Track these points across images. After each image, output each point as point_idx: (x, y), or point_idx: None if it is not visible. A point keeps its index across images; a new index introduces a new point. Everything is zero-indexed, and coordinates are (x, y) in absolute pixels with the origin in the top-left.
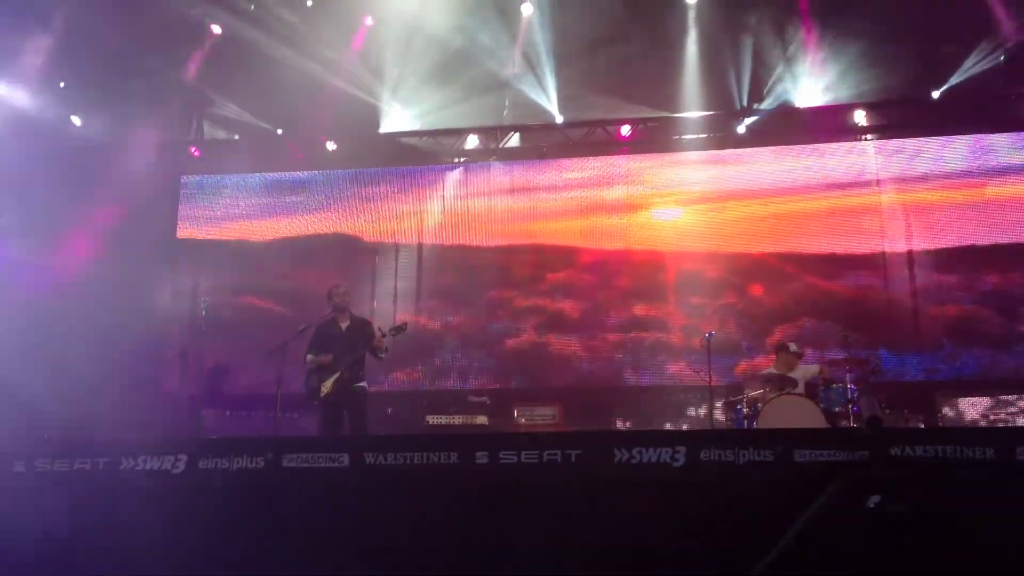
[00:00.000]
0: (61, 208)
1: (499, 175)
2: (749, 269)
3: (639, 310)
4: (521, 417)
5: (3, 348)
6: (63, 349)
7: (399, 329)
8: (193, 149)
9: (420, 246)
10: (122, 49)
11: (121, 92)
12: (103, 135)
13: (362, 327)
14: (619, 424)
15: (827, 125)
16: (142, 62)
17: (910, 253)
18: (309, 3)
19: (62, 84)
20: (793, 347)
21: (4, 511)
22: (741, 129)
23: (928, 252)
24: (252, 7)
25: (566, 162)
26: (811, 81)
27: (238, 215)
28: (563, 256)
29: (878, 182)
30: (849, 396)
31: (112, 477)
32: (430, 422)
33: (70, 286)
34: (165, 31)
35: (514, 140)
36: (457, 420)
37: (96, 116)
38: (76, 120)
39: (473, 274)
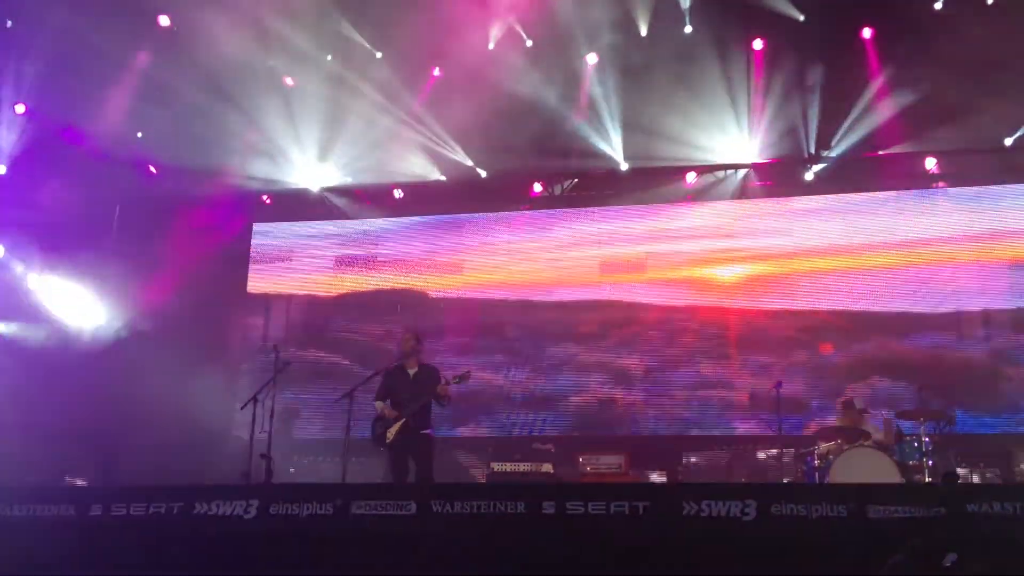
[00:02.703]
0: (137, 256)
1: (563, 223)
2: (817, 327)
3: (705, 368)
4: (586, 465)
5: (80, 395)
6: (138, 396)
7: (463, 377)
8: (265, 197)
9: (483, 301)
10: (197, 100)
11: (196, 142)
12: (179, 184)
13: (429, 374)
14: (686, 475)
15: (897, 172)
16: (217, 113)
17: (985, 312)
18: (378, 55)
19: (139, 135)
20: (859, 404)
21: (80, 554)
22: (809, 177)
23: (1005, 311)
24: (328, 58)
25: (630, 210)
26: (880, 128)
27: (307, 267)
28: (627, 312)
29: (951, 236)
30: (923, 449)
31: (186, 522)
32: (495, 469)
33: (144, 334)
34: (239, 83)
35: (577, 187)
36: (522, 467)
37: (172, 165)
38: (152, 169)
39: (537, 329)
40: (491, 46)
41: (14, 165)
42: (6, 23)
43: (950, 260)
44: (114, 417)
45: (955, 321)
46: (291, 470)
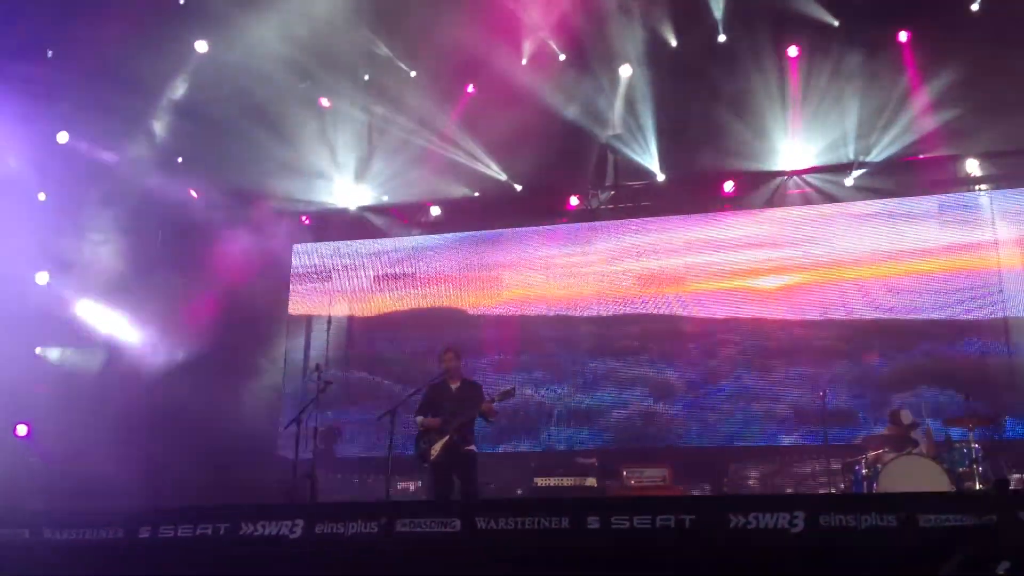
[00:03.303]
0: (179, 280)
1: (601, 236)
2: (860, 336)
3: (747, 379)
4: (630, 478)
5: (126, 418)
6: (182, 418)
7: (507, 394)
8: (304, 218)
9: (521, 317)
10: (236, 123)
11: (235, 165)
12: (219, 208)
13: (472, 390)
14: (731, 487)
15: (938, 176)
16: (255, 135)
17: None
18: (412, 74)
19: (180, 159)
20: (907, 419)
21: (128, 575)
22: (849, 183)
23: None
24: (366, 78)
25: (668, 222)
26: (919, 131)
27: (347, 287)
28: (667, 325)
29: (996, 241)
30: (974, 456)
31: (233, 542)
32: (539, 483)
33: (187, 357)
34: (276, 105)
35: (614, 200)
36: (566, 482)
37: (212, 189)
38: (193, 193)
39: (576, 344)
40: (524, 61)
41: (56, 192)
42: (47, 53)
43: (995, 265)
44: (159, 440)
45: (1003, 327)
46: (338, 476)
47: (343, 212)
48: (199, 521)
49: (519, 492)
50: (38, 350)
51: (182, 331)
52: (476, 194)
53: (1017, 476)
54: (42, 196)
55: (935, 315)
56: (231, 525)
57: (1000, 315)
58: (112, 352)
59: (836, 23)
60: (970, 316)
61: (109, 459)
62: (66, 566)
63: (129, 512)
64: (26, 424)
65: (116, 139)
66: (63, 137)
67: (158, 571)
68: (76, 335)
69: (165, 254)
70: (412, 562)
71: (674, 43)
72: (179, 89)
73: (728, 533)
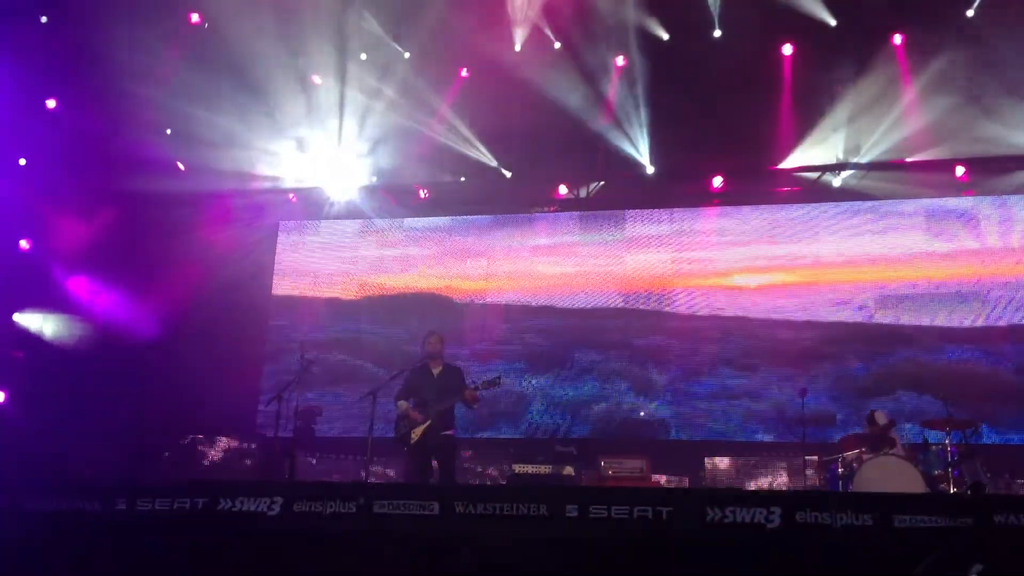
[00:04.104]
0: (162, 255)
1: (588, 227)
2: (843, 339)
3: (728, 378)
4: (608, 468)
5: (105, 393)
6: (162, 394)
7: (492, 383)
8: (291, 195)
9: (506, 306)
10: (225, 97)
11: (223, 140)
12: (206, 182)
13: (454, 375)
14: (708, 481)
15: (926, 180)
16: (244, 110)
17: (1012, 327)
18: (407, 55)
19: (168, 131)
20: (882, 419)
21: (105, 548)
22: (837, 183)
23: None
24: (363, 57)
25: (655, 215)
26: (909, 135)
27: (331, 268)
28: (651, 320)
29: (980, 248)
30: (949, 459)
31: (210, 517)
32: (517, 471)
33: (169, 333)
34: (266, 80)
35: (603, 190)
36: (544, 469)
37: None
38: (180, 166)
39: (559, 336)
40: (518, 48)
41: (41, 158)
42: (41, 19)
43: (979, 272)
44: (138, 413)
45: (984, 336)
46: (312, 460)
47: (330, 192)
48: (177, 496)
49: (497, 479)
50: (16, 316)
51: (165, 305)
52: (462, 179)
53: (990, 479)
54: (22, 161)
55: (917, 320)
56: (209, 500)
57: (981, 324)
58: (91, 327)
59: (834, 22)
60: (952, 323)
61: (87, 430)
62: (43, 536)
63: (107, 484)
64: (3, 391)
65: (105, 108)
66: (51, 103)
67: (134, 544)
68: (55, 304)
69: (150, 226)
70: (389, 543)
71: (669, 36)
72: (170, 60)
73: (705, 526)
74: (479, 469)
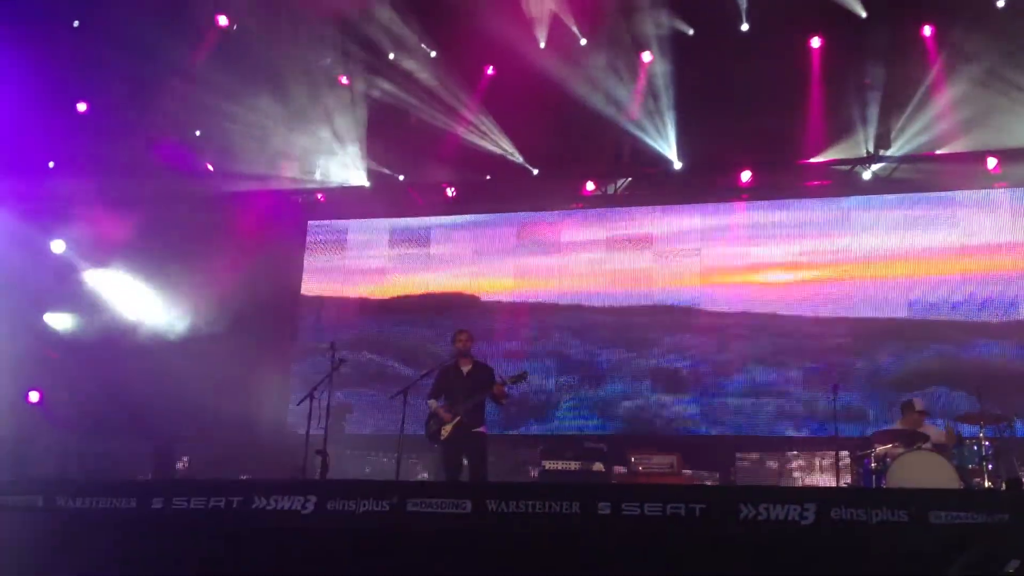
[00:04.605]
0: (193, 254)
1: (616, 223)
2: (875, 334)
3: (758, 374)
4: (638, 465)
5: (137, 390)
6: (193, 391)
7: (519, 378)
8: (319, 195)
9: (535, 304)
10: (254, 98)
11: (253, 140)
12: (235, 182)
13: (483, 372)
14: (739, 476)
15: (958, 173)
16: (272, 111)
17: None
18: (433, 54)
19: (198, 132)
20: (919, 405)
21: (141, 546)
22: (867, 176)
23: None
24: (391, 56)
25: (684, 211)
26: (940, 127)
27: (360, 267)
28: (680, 316)
29: (1013, 241)
30: (984, 453)
31: (245, 515)
32: (547, 467)
33: (199, 331)
34: (295, 81)
35: (631, 186)
36: (574, 466)
37: (229, 163)
38: (210, 167)
39: (588, 334)
40: (543, 45)
41: (71, 164)
42: (73, 23)
43: (1011, 266)
44: (170, 412)
45: (1018, 330)
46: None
47: (359, 190)
48: (212, 494)
49: (532, 474)
50: (46, 316)
51: (193, 306)
52: (487, 177)
53: None
54: (51, 164)
55: (950, 316)
56: (244, 499)
57: (1015, 318)
58: (123, 324)
59: (864, 14)
60: (984, 318)
61: (121, 430)
62: (78, 534)
63: (142, 483)
64: (38, 391)
65: (135, 110)
66: (82, 107)
67: (170, 542)
68: (87, 304)
69: (180, 227)
70: (422, 542)
71: (696, 31)
72: (199, 62)
73: (738, 523)
74: (509, 465)
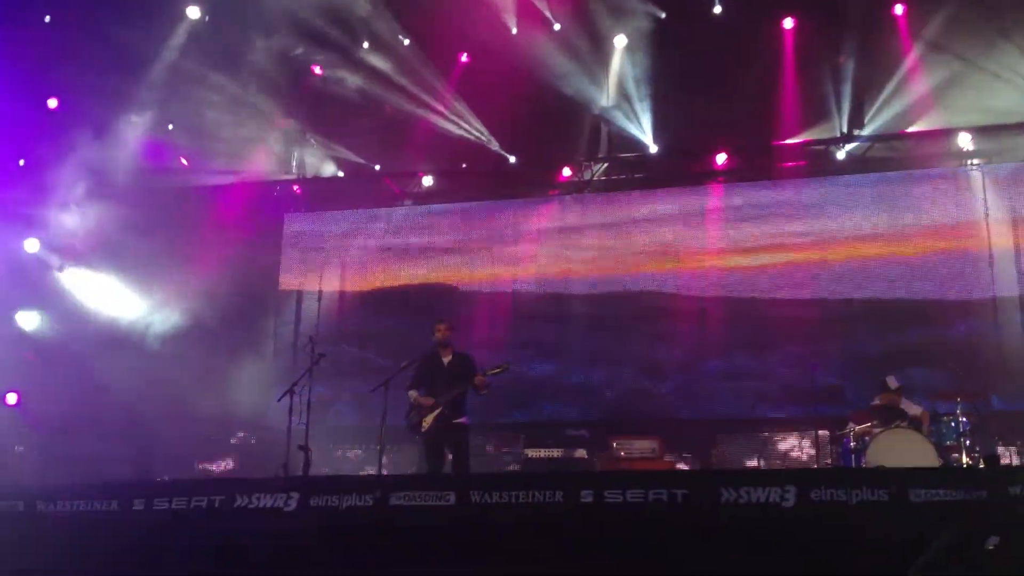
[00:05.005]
0: (168, 250)
1: (593, 209)
2: (852, 314)
3: (738, 358)
4: (620, 450)
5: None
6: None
7: (501, 369)
8: (295, 187)
9: (513, 292)
10: (227, 90)
11: (227, 132)
12: (211, 174)
13: (464, 362)
14: (719, 459)
15: (931, 150)
16: (246, 102)
17: (1021, 297)
18: (406, 42)
19: (170, 126)
20: (893, 384)
21: (124, 548)
22: (841, 156)
23: None
24: (366, 45)
25: (661, 195)
26: (912, 106)
27: (338, 258)
28: (658, 301)
29: (987, 218)
30: (961, 429)
31: (227, 514)
32: (529, 455)
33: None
34: (268, 72)
35: (608, 172)
36: (556, 453)
37: (203, 156)
38: (184, 161)
39: (568, 321)
40: (514, 31)
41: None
42: (44, 19)
43: (985, 244)
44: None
45: (991, 307)
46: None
47: (335, 181)
48: (194, 494)
49: (510, 465)
50: (18, 316)
51: (169, 303)
52: (463, 166)
53: (1003, 448)
54: (21, 162)
55: (925, 295)
56: (226, 498)
57: (989, 295)
58: (98, 322)
59: None
60: (960, 296)
61: (100, 430)
62: (60, 538)
63: (123, 484)
64: (16, 393)
65: (107, 105)
66: (53, 103)
67: (153, 544)
68: (59, 302)
69: (155, 223)
70: (407, 535)
71: (668, 14)
72: (171, 55)
73: (720, 507)
74: (491, 455)
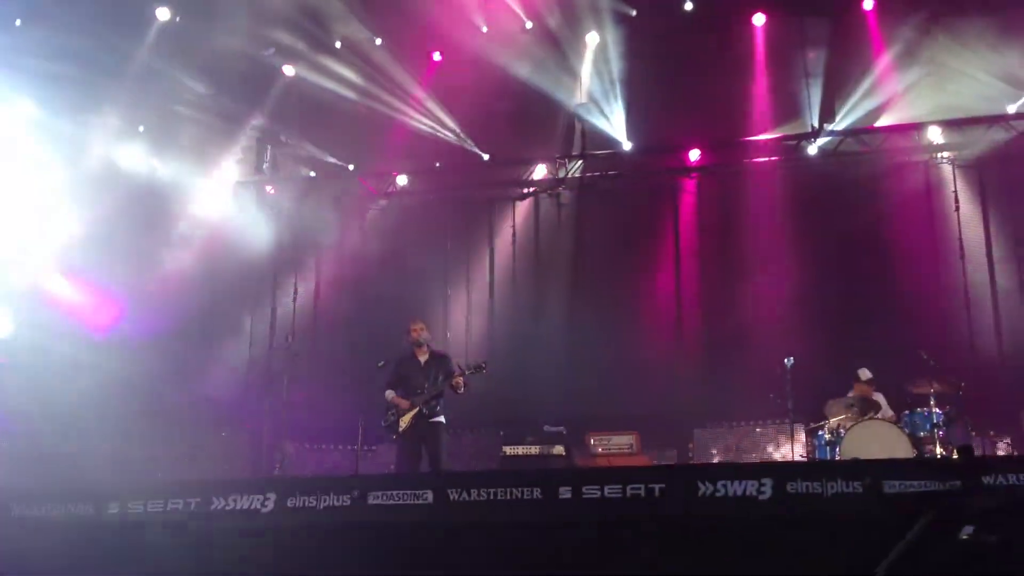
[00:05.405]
0: (141, 251)
1: (567, 206)
2: (825, 309)
3: (713, 350)
4: (598, 446)
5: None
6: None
7: (478, 368)
8: (268, 187)
9: (489, 290)
10: (198, 91)
11: (198, 134)
12: (182, 176)
13: (441, 362)
14: (696, 453)
15: (901, 144)
16: (217, 104)
17: (992, 285)
18: (378, 41)
19: (141, 128)
20: (865, 375)
21: (99, 553)
22: (813, 150)
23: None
24: (338, 44)
25: (636, 190)
26: (883, 100)
27: (314, 261)
28: (636, 295)
29: (957, 209)
30: (935, 420)
31: (204, 517)
32: (507, 452)
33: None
34: (239, 72)
35: (580, 169)
36: (534, 450)
37: (175, 158)
38: (156, 163)
39: (544, 317)
40: (485, 29)
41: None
42: (15, 22)
43: (956, 236)
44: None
45: (963, 298)
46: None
47: (308, 181)
48: (169, 496)
49: (487, 463)
50: None
51: (144, 305)
52: (437, 165)
53: (975, 435)
54: None
55: (897, 287)
56: (202, 500)
57: (960, 286)
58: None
59: None
60: (931, 288)
61: (74, 433)
62: (35, 543)
63: (98, 488)
64: None
65: (78, 108)
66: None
67: (129, 547)
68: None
69: (128, 225)
70: (385, 534)
71: (639, 11)
72: (141, 57)
73: (697, 501)
74: (469, 453)
